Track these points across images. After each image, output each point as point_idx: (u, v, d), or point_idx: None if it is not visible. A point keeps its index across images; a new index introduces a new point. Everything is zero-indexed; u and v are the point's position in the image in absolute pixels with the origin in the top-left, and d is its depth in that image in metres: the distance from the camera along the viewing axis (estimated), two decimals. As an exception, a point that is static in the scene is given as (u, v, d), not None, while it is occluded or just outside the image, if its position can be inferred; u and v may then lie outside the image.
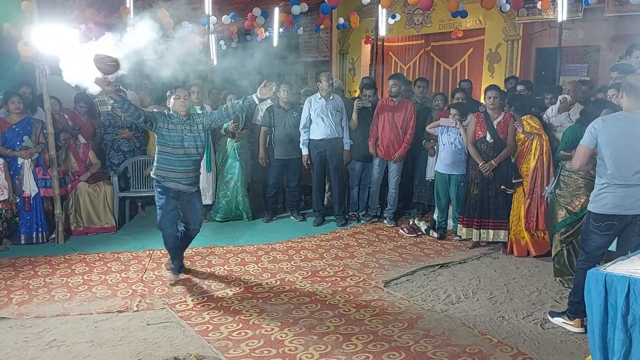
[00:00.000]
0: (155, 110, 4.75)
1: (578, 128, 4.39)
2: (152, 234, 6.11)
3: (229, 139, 6.53)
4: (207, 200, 6.53)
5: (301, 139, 6.36)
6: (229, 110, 4.54)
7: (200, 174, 4.73)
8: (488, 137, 5.38)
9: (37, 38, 5.33)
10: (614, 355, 2.58)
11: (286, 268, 5.02)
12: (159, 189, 4.49)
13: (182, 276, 4.78)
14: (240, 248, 5.53)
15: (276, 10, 9.03)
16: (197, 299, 4.29)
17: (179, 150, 4.39)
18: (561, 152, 4.60)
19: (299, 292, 4.46)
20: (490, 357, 3.37)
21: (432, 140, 6.22)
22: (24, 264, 5.09)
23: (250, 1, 8.70)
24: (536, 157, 5.21)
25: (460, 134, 5.62)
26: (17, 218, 5.67)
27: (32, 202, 5.74)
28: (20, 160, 5.71)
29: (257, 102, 4.46)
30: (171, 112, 4.49)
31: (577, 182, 4.45)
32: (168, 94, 4.54)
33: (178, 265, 4.76)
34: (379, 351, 3.45)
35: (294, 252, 5.51)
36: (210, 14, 7.67)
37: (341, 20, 10.64)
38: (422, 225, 6.23)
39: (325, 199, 6.86)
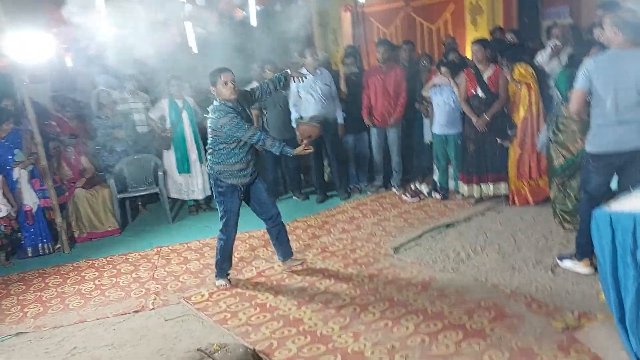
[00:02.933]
0: (228, 121, 3.99)
1: (568, 72, 4.36)
2: (157, 231, 6.13)
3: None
4: (197, 194, 6.52)
5: (292, 117, 6.32)
6: (270, 86, 4.34)
7: (254, 158, 4.36)
8: (480, 93, 5.36)
9: (11, 47, 5.23)
10: (627, 292, 2.62)
11: (295, 248, 5.04)
12: (221, 189, 4.15)
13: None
14: (248, 234, 5.54)
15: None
16: (212, 289, 4.32)
17: (239, 143, 4.04)
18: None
19: (312, 270, 4.49)
20: (505, 307, 3.42)
21: (424, 102, 6.19)
22: (33, 277, 5.10)
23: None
24: (525, 108, 5.20)
25: (454, 92, 5.59)
26: (19, 233, 5.66)
27: (34, 214, 5.73)
28: (15, 174, 5.68)
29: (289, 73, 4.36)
30: (220, 102, 4.02)
31: (571, 126, 4.44)
32: (211, 80, 4.04)
33: (224, 272, 4.43)
34: (397, 317, 3.49)
35: (301, 231, 5.53)
36: (185, 2, 7.52)
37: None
38: (424, 188, 6.25)
39: (325, 175, 6.85)
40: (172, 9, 8.00)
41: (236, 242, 5.32)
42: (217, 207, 4.31)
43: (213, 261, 4.96)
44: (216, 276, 4.41)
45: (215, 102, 4.07)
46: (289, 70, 4.33)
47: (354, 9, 9.73)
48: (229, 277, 4.43)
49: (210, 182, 4.60)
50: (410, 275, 4.15)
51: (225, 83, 3.97)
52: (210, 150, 4.16)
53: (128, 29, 8.08)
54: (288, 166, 6.74)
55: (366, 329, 3.38)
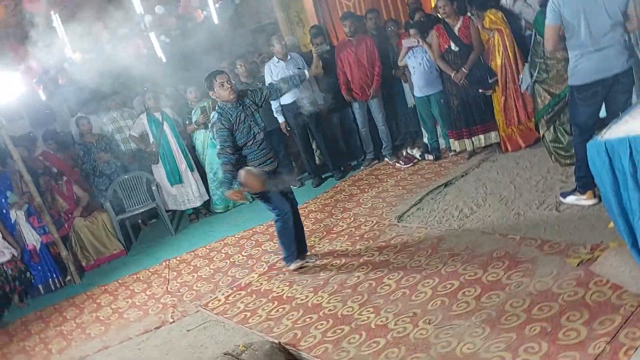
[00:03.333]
0: (219, 127, 3.97)
1: (542, 12, 4.32)
2: (162, 245, 6.13)
3: (202, 130, 6.45)
4: (193, 202, 6.50)
5: (273, 108, 6.28)
6: (282, 87, 4.25)
7: (273, 148, 4.36)
8: (453, 46, 5.32)
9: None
10: (634, 214, 2.62)
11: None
12: None
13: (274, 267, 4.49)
14: (251, 231, 5.53)
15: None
16: (227, 292, 4.32)
17: (255, 139, 4.02)
18: None
19: (321, 254, 4.49)
20: (517, 254, 3.43)
21: (400, 67, 6.15)
22: (50, 313, 5.10)
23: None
24: (501, 53, 5.17)
25: (427, 51, 5.55)
26: (28, 273, 5.65)
27: (39, 252, 5.72)
28: (12, 216, 5.65)
29: (307, 76, 4.40)
30: (220, 104, 4.01)
31: (555, 66, 4.40)
32: (207, 84, 4.02)
33: (295, 253, 4.31)
34: (413, 284, 3.50)
35: (303, 217, 5.49)
36: (143, 13, 7.42)
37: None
38: (416, 152, 6.24)
39: (317, 159, 6.83)
40: (132, 22, 7.91)
41: (241, 240, 5.37)
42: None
43: (223, 263, 4.98)
44: (287, 261, 4.31)
45: (217, 104, 4.08)
46: (306, 72, 4.39)
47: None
48: (305, 259, 4.35)
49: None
50: (418, 240, 4.15)
51: (222, 85, 3.94)
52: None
53: (93, 51, 8.01)
54: (278, 157, 6.70)
55: (385, 302, 3.39)
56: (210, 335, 3.73)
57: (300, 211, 5.65)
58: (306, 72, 4.35)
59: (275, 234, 4.35)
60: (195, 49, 7.94)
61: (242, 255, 5.03)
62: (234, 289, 4.34)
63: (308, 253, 4.46)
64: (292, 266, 4.29)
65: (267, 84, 4.33)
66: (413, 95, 6.05)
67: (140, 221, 6.95)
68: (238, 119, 3.95)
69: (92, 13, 7.06)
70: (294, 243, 4.26)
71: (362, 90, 6.21)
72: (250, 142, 4.00)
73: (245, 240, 5.40)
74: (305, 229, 5.10)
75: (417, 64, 5.67)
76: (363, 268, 3.97)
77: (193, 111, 6.49)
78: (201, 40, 8.88)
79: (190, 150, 6.65)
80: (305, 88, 6.19)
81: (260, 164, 4.06)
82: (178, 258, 5.49)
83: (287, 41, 6.77)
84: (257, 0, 11.12)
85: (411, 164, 6.08)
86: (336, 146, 6.71)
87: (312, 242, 4.78)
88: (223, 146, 3.90)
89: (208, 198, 6.60)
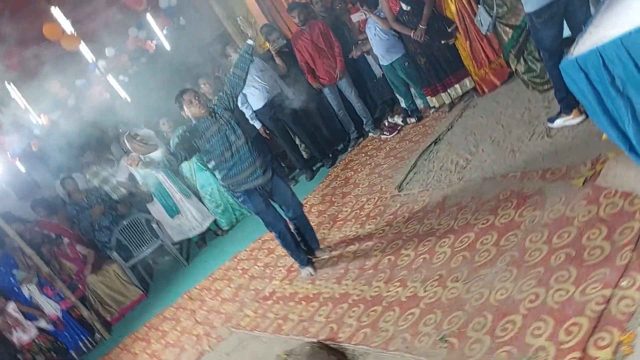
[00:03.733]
0: (184, 134, 4.00)
1: None
2: (178, 279, 6.12)
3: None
4: (197, 228, 6.47)
5: (247, 116, 6.24)
6: (236, 72, 3.99)
7: (262, 154, 4.11)
8: (404, 6, 5.29)
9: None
10: (623, 120, 2.62)
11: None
12: (240, 198, 4.06)
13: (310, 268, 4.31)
14: (260, 240, 5.52)
15: (148, 16, 8.64)
16: (253, 306, 4.32)
17: (232, 150, 3.89)
18: None
19: (333, 243, 4.49)
20: (523, 190, 3.43)
21: (359, 43, 6.12)
22: (90, 375, 5.10)
23: (113, 23, 8.29)
24: (453, 0, 5.15)
25: (376, 22, 5.53)
26: (59, 341, 5.65)
27: (62, 319, 5.71)
28: (26, 292, 5.64)
29: (251, 42, 4.05)
30: (193, 121, 3.95)
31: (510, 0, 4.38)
32: (178, 106, 3.96)
33: (305, 259, 4.30)
34: (430, 247, 3.51)
35: (307, 213, 5.51)
36: (95, 60, 7.36)
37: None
38: (398, 119, 6.23)
39: (304, 153, 6.81)
40: (87, 71, 7.85)
41: (253, 252, 5.36)
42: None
43: (242, 279, 4.98)
44: (300, 267, 4.30)
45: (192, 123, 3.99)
46: (249, 41, 4.05)
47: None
48: (314, 263, 4.31)
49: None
50: (423, 204, 4.15)
51: (190, 102, 3.85)
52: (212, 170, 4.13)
53: (58, 110, 7.96)
54: (267, 159, 6.68)
55: (409, 272, 3.40)
56: (250, 352, 3.73)
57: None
58: (249, 41, 4.05)
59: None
60: (156, 81, 7.90)
61: (258, 267, 5.02)
62: (260, 301, 4.34)
63: (321, 246, 4.44)
64: (303, 273, 4.25)
65: (227, 78, 4.11)
66: (379, 65, 6.02)
67: (151, 261, 6.93)
68: (211, 130, 3.85)
69: (46, 74, 7.02)
70: (301, 251, 4.28)
71: (328, 74, 6.18)
72: (228, 151, 3.87)
73: (257, 251, 5.39)
74: (312, 225, 5.12)
75: (373, 35, 5.65)
76: (378, 246, 3.97)
77: (171, 141, 6.45)
78: (159, 70, 8.83)
79: (180, 179, 6.63)
80: (273, 88, 6.17)
81: (249, 177, 3.92)
82: (197, 287, 5.48)
83: (242, 46, 6.71)
84: (201, 15, 11.04)
85: (396, 132, 6.07)
86: (319, 135, 6.68)
87: (322, 234, 4.78)
88: (175, 151, 3.87)
89: (208, 226, 6.56)
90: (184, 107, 3.89)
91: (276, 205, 4.22)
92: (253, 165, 3.93)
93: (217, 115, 3.91)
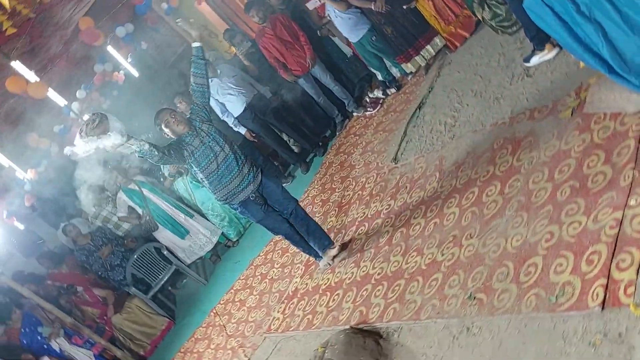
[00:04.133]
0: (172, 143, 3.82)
1: None
2: (201, 299, 6.14)
3: (179, 178, 6.42)
4: (208, 244, 6.47)
5: (230, 124, 6.23)
6: (197, 80, 3.86)
7: (249, 159, 3.99)
8: (359, -19, 5.28)
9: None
10: (598, 44, 2.63)
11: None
12: (238, 209, 3.98)
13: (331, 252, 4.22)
14: (272, 242, 5.53)
15: (109, 48, 8.60)
16: (280, 308, 4.34)
17: (217, 161, 3.79)
18: None
19: (344, 229, 4.50)
20: (515, 134, 3.44)
21: (323, 27, 6.10)
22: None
23: (77, 63, 8.26)
24: None
25: (331, 5, 5.52)
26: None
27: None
28: (55, 346, 5.66)
29: (198, 44, 3.90)
30: (175, 138, 3.81)
31: None
32: (158, 128, 3.83)
33: (315, 250, 4.23)
34: (438, 211, 3.53)
35: (311, 206, 5.53)
36: (67, 103, 7.33)
37: (164, 6, 10.12)
38: (378, 93, 6.21)
39: (294, 147, 6.80)
40: (62, 116, 7.81)
41: (268, 256, 5.37)
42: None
43: (262, 285, 5.00)
44: (317, 259, 4.27)
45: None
46: (196, 44, 3.92)
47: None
48: (333, 247, 4.21)
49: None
50: (422, 170, 4.17)
51: (168, 122, 3.74)
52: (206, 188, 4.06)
53: (43, 160, 7.95)
54: (258, 162, 6.68)
55: (423, 240, 3.42)
56: (287, 353, 3.76)
57: (304, 199, 5.71)
58: (195, 44, 3.89)
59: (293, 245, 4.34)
60: (132, 109, 7.87)
61: (276, 268, 5.04)
62: (285, 301, 4.36)
63: (332, 245, 4.25)
64: (321, 265, 4.22)
65: (191, 89, 3.95)
66: (347, 45, 6.01)
67: (170, 287, 6.95)
68: (194, 144, 3.75)
69: (22, 129, 7.00)
70: (320, 229, 4.25)
71: (299, 65, 6.15)
72: (213, 163, 3.78)
73: (271, 253, 5.41)
74: (318, 216, 5.14)
75: (335, 17, 5.64)
76: (388, 221, 3.99)
77: (161, 169, 6.47)
78: (133, 98, 8.79)
79: (179, 200, 6.64)
80: (249, 91, 6.15)
81: (239, 186, 3.82)
82: (221, 302, 5.50)
83: (210, 57, 6.68)
84: (160, 34, 10.96)
85: (379, 105, 6.07)
86: (305, 127, 6.67)
87: (330, 223, 4.80)
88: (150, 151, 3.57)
89: (217, 241, 6.57)
90: (164, 128, 3.78)
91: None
92: (241, 174, 3.83)
93: (197, 128, 3.80)
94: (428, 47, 5.50)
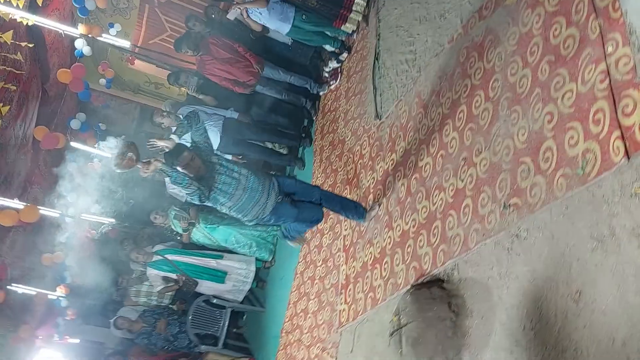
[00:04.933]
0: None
1: None
2: (267, 325, 6.19)
3: (194, 229, 6.44)
4: (250, 276, 6.48)
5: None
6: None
7: (261, 171, 4.17)
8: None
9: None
10: None
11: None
12: (270, 221, 4.05)
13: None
14: (305, 245, 5.55)
15: (73, 144, 8.63)
16: (340, 299, 4.37)
17: (241, 184, 3.82)
18: None
19: (363, 202, 4.50)
20: (474, 39, 3.42)
21: (253, 33, 6.09)
22: None
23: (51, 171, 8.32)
24: None
25: (252, 7, 5.50)
26: None
27: None
28: None
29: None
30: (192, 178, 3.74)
31: None
32: (173, 169, 3.71)
33: (361, 210, 4.26)
34: (439, 143, 3.53)
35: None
36: (62, 211, 7.38)
37: (103, 82, 10.08)
38: (332, 64, 6.19)
39: (281, 150, 6.78)
40: (62, 225, 7.88)
41: (307, 258, 5.39)
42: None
43: (316, 288, 5.03)
44: (360, 221, 4.28)
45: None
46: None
47: (130, 55, 9.37)
48: (371, 210, 4.23)
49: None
50: (406, 114, 4.16)
51: (187, 165, 3.71)
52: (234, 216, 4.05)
53: (66, 273, 8.05)
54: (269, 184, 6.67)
55: (438, 176, 3.43)
56: (367, 336, 3.79)
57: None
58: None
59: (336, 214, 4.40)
60: (125, 181, 7.97)
61: (319, 266, 5.07)
62: (343, 291, 4.39)
63: (368, 211, 4.30)
64: (366, 222, 4.25)
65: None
66: (286, 36, 5.97)
67: (235, 330, 7.00)
68: (213, 179, 3.76)
69: (34, 257, 7.10)
70: (351, 203, 4.28)
71: (250, 74, 6.11)
72: (239, 189, 3.80)
73: (309, 255, 5.44)
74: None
75: (260, 18, 5.63)
76: (398, 174, 4.00)
77: (172, 227, 6.50)
78: (117, 176, 8.84)
79: (203, 248, 6.68)
80: (216, 120, 6.12)
81: (267, 199, 3.88)
82: (286, 320, 5.54)
83: (167, 107, 6.65)
84: (112, 109, 10.95)
85: (339, 75, 6.05)
86: (282, 127, 6.63)
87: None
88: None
89: (254, 273, 6.58)
90: (181, 169, 3.71)
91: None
92: (264, 187, 3.90)
93: (213, 164, 3.84)
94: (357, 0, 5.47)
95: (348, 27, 5.66)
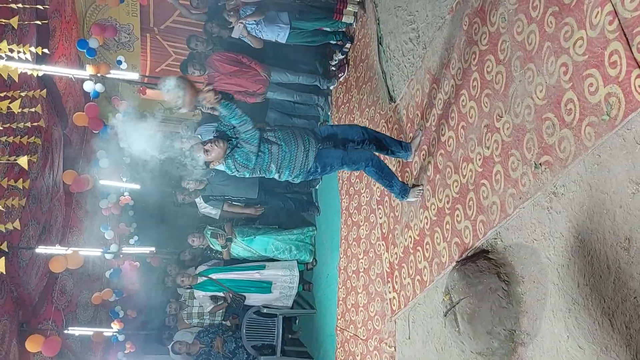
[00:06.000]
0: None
1: None
2: (322, 326, 6.23)
3: (233, 245, 6.52)
4: (295, 279, 6.51)
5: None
6: (240, 129, 3.61)
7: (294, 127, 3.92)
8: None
9: None
10: None
11: (364, 203, 5.06)
12: (317, 171, 3.78)
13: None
14: (344, 240, 5.57)
15: (102, 182, 8.83)
16: (388, 288, 4.37)
17: (276, 143, 3.66)
18: None
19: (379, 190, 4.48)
20: (473, 5, 3.38)
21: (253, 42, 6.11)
22: None
23: (86, 212, 8.53)
24: None
25: (252, 20, 5.52)
26: None
27: None
28: None
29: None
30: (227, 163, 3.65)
31: None
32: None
33: (404, 187, 3.96)
34: (458, 115, 3.49)
35: (348, 185, 5.53)
36: (102, 250, 7.55)
37: (119, 116, 10.22)
38: (338, 56, 6.18)
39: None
40: (106, 261, 8.05)
41: (347, 252, 5.39)
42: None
43: (362, 281, 5.03)
44: (401, 198, 3.99)
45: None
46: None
47: (141, 86, 9.48)
48: (411, 186, 3.97)
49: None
50: (419, 92, 4.13)
51: (207, 152, 3.57)
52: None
53: (116, 309, 8.23)
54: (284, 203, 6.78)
55: (463, 148, 3.39)
56: (422, 320, 3.77)
57: (341, 186, 5.69)
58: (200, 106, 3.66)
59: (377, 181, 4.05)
60: (155, 214, 8.07)
61: (361, 259, 5.07)
62: (389, 280, 4.38)
63: (411, 142, 4.06)
64: (412, 197, 3.93)
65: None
66: (287, 40, 5.98)
67: (289, 335, 7.06)
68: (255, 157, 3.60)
69: (82, 299, 7.24)
70: (396, 179, 3.93)
71: (259, 82, 6.13)
72: (276, 149, 3.64)
73: (349, 250, 5.44)
74: (362, 191, 5.13)
75: (258, 30, 5.66)
76: (423, 154, 3.97)
77: (212, 247, 6.60)
78: (149, 206, 9.01)
79: (245, 261, 6.74)
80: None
81: (308, 150, 3.67)
82: (339, 317, 5.57)
83: (184, 130, 6.73)
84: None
85: (346, 66, 6.04)
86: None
87: (378, 190, 4.79)
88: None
89: (296, 289, 6.62)
90: (203, 156, 3.58)
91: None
92: (300, 136, 3.71)
93: (235, 143, 3.64)
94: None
95: (347, 18, 5.66)
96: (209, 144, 3.58)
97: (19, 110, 2.86)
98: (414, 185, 3.99)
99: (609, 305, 2.19)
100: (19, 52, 2.55)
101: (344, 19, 5.70)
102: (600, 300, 2.24)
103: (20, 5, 3.49)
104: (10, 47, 2.43)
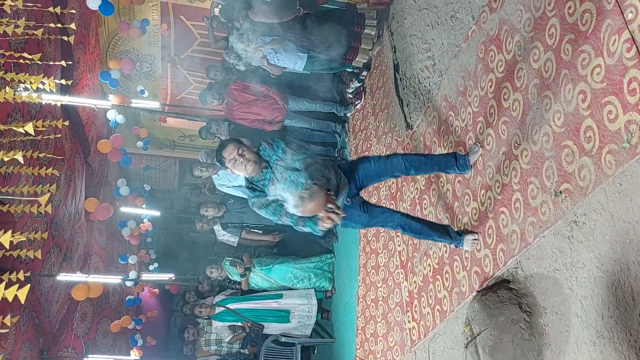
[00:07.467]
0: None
1: None
2: (340, 354, 6.14)
3: (251, 275, 6.50)
4: (313, 307, 6.46)
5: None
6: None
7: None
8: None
9: None
10: None
11: (382, 230, 5.02)
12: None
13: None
14: (362, 267, 5.52)
15: (122, 209, 8.94)
16: (408, 317, 4.30)
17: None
18: None
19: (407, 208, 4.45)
20: (489, 33, 3.38)
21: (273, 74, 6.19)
22: None
23: (108, 240, 8.61)
24: None
25: (272, 47, 5.59)
26: None
27: None
28: None
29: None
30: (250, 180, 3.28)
31: None
32: (221, 166, 3.30)
33: (455, 234, 3.38)
34: (487, 121, 3.47)
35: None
36: (122, 277, 7.60)
37: (140, 144, 10.37)
38: (354, 84, 6.23)
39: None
40: (126, 290, 8.08)
41: (366, 281, 5.34)
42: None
43: (382, 310, 4.95)
44: (457, 245, 3.39)
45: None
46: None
47: (159, 115, 9.62)
48: (464, 230, 3.42)
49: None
50: (436, 119, 4.12)
51: (234, 162, 3.16)
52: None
53: (136, 336, 8.21)
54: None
55: (481, 175, 3.35)
56: (442, 351, 3.70)
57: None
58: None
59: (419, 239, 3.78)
60: (173, 241, 8.10)
61: (380, 287, 5.01)
62: (408, 309, 4.32)
63: (468, 154, 3.44)
64: (467, 246, 3.35)
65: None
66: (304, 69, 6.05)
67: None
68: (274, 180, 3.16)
69: (101, 326, 7.26)
70: (440, 228, 3.40)
71: (277, 110, 6.20)
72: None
73: (367, 278, 5.39)
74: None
75: (277, 59, 5.72)
76: (441, 180, 3.94)
77: (230, 277, 6.60)
78: (167, 233, 9.06)
79: (263, 291, 6.72)
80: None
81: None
82: (358, 346, 5.48)
83: (203, 157, 6.78)
84: (153, 168, 11.24)
85: (363, 93, 6.08)
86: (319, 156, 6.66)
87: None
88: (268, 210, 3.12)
89: (315, 316, 6.56)
90: (228, 167, 3.24)
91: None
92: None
93: (271, 163, 3.29)
94: (366, 31, 5.52)
95: (359, 61, 5.71)
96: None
97: (40, 137, 2.92)
98: (466, 231, 3.43)
99: (636, 339, 2.12)
100: (43, 83, 2.62)
101: (355, 63, 5.78)
102: (625, 333, 2.17)
103: (46, 36, 3.61)
104: (39, 79, 2.50)
